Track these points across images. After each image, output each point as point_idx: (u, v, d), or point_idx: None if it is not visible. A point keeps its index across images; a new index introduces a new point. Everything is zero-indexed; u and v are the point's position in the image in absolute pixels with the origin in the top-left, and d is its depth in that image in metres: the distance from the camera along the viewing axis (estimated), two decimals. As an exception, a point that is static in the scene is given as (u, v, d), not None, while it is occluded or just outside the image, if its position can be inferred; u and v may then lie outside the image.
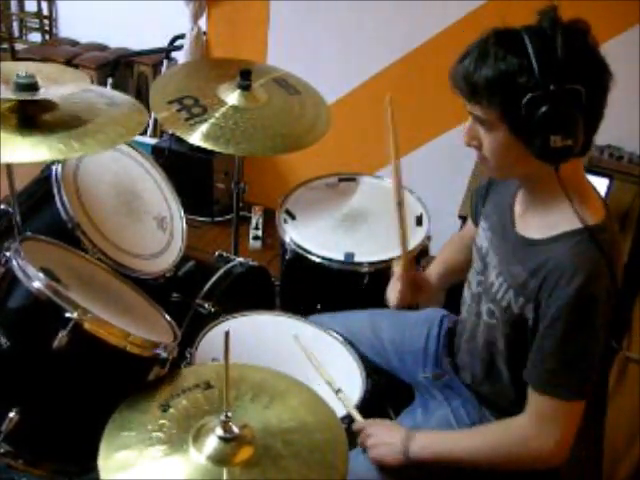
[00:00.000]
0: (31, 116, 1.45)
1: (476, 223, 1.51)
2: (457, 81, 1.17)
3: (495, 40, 1.13)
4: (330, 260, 1.92)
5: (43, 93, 1.47)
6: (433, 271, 1.69)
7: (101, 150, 1.49)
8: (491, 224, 1.38)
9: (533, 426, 1.22)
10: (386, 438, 1.36)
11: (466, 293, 1.47)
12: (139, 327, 1.39)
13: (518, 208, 1.32)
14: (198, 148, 1.88)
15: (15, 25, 4.07)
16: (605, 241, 1.16)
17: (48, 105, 1.49)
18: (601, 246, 1.15)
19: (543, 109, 1.08)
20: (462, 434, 1.37)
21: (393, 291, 1.62)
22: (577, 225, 1.17)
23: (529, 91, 1.08)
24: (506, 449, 1.26)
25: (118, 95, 1.69)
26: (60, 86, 1.55)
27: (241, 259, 2.12)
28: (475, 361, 1.42)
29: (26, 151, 1.36)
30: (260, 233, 3.07)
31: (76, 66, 3.44)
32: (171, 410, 1.20)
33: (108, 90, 1.84)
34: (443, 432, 1.41)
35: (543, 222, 1.24)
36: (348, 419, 1.43)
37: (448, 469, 1.34)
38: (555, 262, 1.17)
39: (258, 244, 3.05)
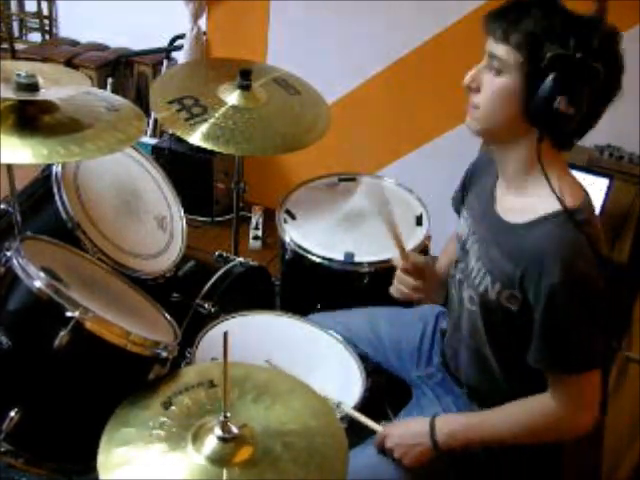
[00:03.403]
0: (31, 117, 1.45)
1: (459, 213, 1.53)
2: (495, 15, 1.20)
3: (546, 2, 1.17)
4: (330, 260, 1.92)
5: (43, 94, 1.47)
6: (438, 263, 1.66)
7: (100, 156, 1.49)
8: (472, 211, 1.40)
9: (560, 405, 1.24)
10: (410, 440, 1.34)
11: (450, 284, 1.47)
12: (140, 326, 1.39)
13: (499, 192, 1.34)
14: (198, 148, 1.88)
15: (15, 25, 4.07)
16: (583, 221, 1.18)
17: (48, 106, 1.49)
18: (580, 226, 1.17)
19: (564, 68, 1.12)
20: (486, 415, 1.34)
21: (398, 284, 1.55)
22: (555, 208, 1.19)
23: (559, 49, 1.12)
24: (537, 428, 1.28)
25: (117, 99, 1.69)
26: (60, 87, 1.55)
27: (241, 259, 2.12)
28: (462, 351, 1.43)
29: (25, 152, 1.36)
30: (260, 233, 3.07)
31: (76, 66, 3.44)
32: (173, 408, 1.20)
33: (107, 94, 1.84)
34: (464, 415, 1.40)
35: (522, 206, 1.25)
36: (348, 420, 1.43)
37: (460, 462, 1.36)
38: (535, 249, 1.19)
39: (258, 244, 3.05)
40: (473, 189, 1.45)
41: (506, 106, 1.21)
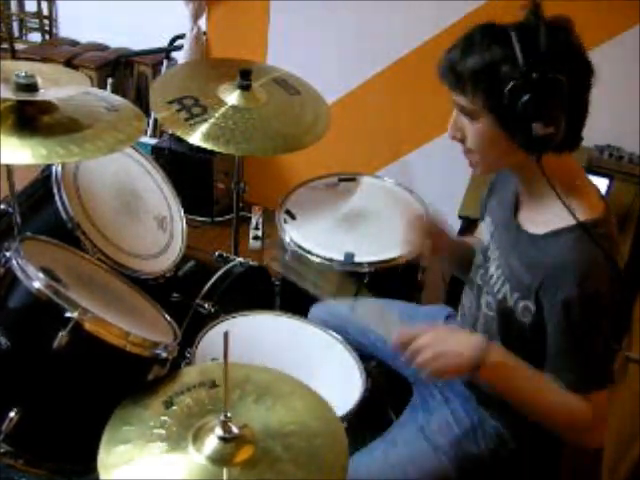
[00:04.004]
0: (30, 117, 1.45)
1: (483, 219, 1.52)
2: (443, 71, 1.21)
3: (481, 32, 1.16)
4: (330, 260, 1.91)
5: (42, 94, 1.47)
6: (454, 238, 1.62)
7: (100, 156, 1.49)
8: (494, 218, 1.40)
9: (591, 414, 1.21)
10: (454, 346, 1.24)
11: (467, 289, 1.47)
12: (139, 327, 1.39)
13: (521, 201, 1.33)
14: (198, 148, 1.88)
15: (15, 25, 4.07)
16: (601, 235, 1.17)
17: (47, 107, 1.49)
18: (597, 240, 1.15)
19: (525, 96, 1.10)
20: (534, 376, 1.25)
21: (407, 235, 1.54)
22: (573, 221, 1.17)
23: (512, 80, 1.11)
24: (566, 423, 1.25)
25: (117, 99, 1.69)
26: (60, 88, 1.55)
27: (241, 259, 2.12)
28: None
29: (25, 153, 1.36)
30: (260, 233, 3.07)
31: (76, 66, 3.45)
32: (174, 407, 1.20)
33: (107, 94, 1.84)
34: (516, 358, 1.29)
35: (541, 217, 1.24)
36: (348, 416, 1.43)
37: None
38: (553, 261, 1.18)
39: (258, 244, 3.05)
40: (496, 196, 1.44)
41: (496, 146, 1.20)
